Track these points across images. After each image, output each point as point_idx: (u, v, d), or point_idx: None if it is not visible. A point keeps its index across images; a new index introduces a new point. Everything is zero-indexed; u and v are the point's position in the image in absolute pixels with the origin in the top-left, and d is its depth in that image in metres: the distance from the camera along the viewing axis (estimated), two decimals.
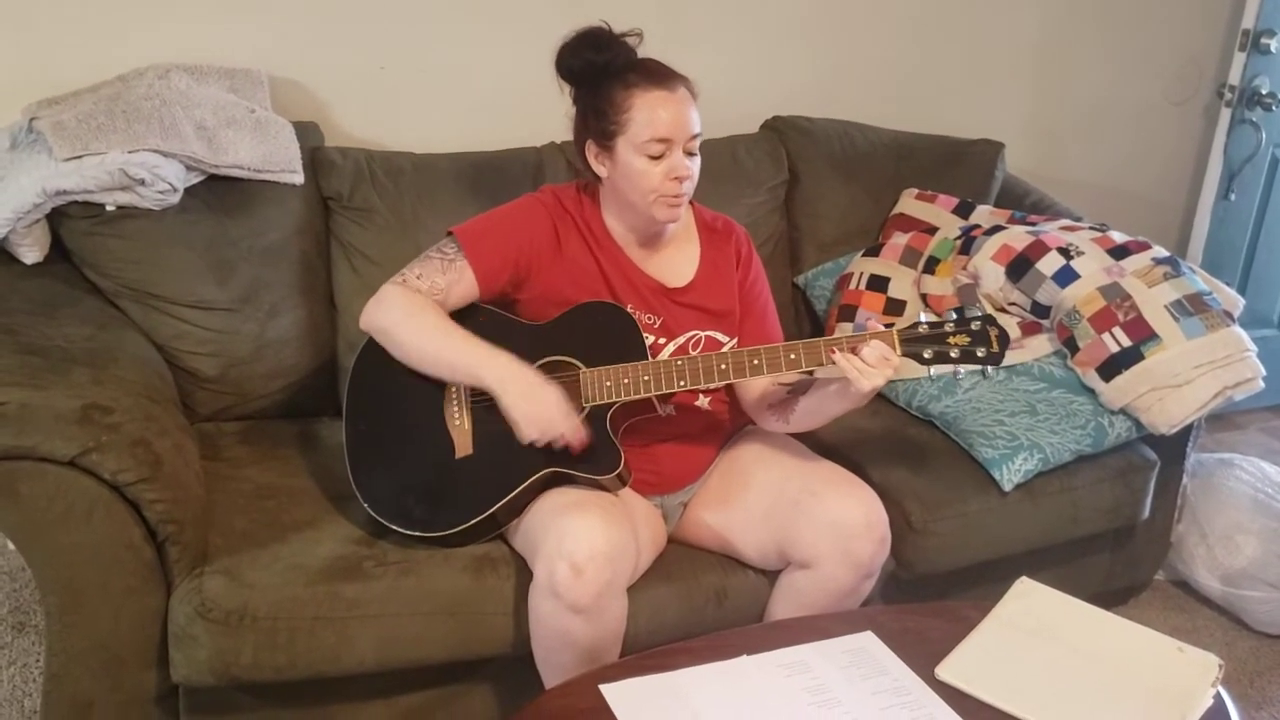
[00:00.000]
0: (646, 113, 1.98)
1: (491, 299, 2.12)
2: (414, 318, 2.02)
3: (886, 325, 1.97)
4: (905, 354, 1.94)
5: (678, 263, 2.19)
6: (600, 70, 2.02)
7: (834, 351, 1.94)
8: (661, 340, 2.14)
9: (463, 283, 2.07)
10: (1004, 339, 1.95)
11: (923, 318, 1.97)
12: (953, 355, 1.95)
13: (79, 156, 2.22)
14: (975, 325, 1.96)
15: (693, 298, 2.17)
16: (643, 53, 2.06)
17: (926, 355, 1.95)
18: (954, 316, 1.98)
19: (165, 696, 1.99)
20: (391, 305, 2.04)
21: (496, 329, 2.10)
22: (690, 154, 2.03)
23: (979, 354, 1.95)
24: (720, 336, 2.18)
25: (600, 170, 2.08)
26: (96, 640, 1.90)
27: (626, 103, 1.99)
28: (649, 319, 2.13)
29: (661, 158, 2.00)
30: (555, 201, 2.15)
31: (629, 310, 2.10)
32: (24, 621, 2.56)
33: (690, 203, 2.19)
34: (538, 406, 1.96)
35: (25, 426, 1.79)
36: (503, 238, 2.09)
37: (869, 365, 1.90)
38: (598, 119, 2.03)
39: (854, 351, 1.92)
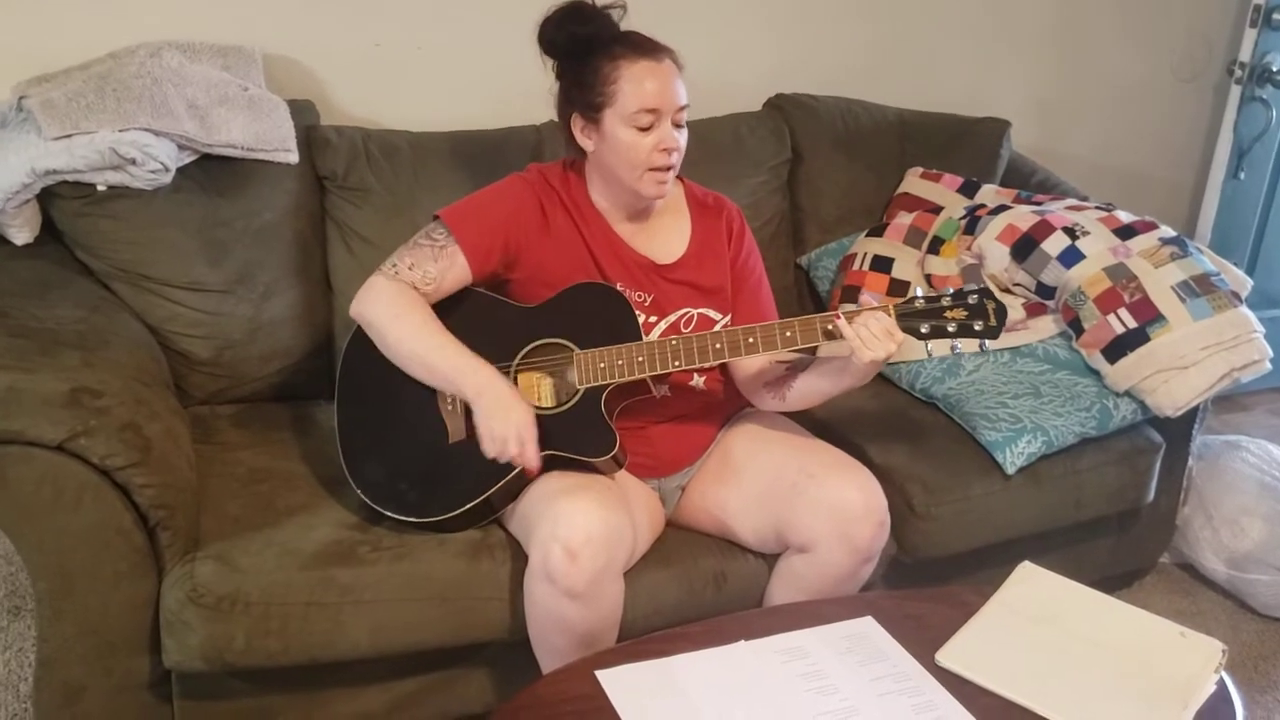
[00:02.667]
0: (634, 84, 1.96)
1: (483, 281, 2.10)
2: (401, 318, 2.00)
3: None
4: (901, 328, 1.93)
5: (667, 238, 2.17)
6: (584, 43, 2.00)
7: (838, 318, 1.92)
8: (652, 319, 2.12)
9: (455, 268, 2.04)
10: (1001, 312, 1.94)
11: (919, 292, 1.95)
12: (950, 329, 1.94)
13: (68, 135, 2.20)
14: (972, 299, 1.94)
15: (683, 274, 2.15)
16: (641, 27, 2.04)
17: (923, 330, 1.94)
18: (950, 291, 1.96)
19: (157, 682, 1.98)
20: (378, 300, 2.02)
21: (488, 312, 2.08)
22: (678, 126, 2.02)
23: (976, 327, 1.93)
24: (713, 314, 2.16)
25: (586, 144, 2.05)
26: (87, 626, 1.89)
27: (613, 74, 1.97)
28: (639, 297, 2.11)
29: (650, 129, 1.98)
30: (541, 179, 2.13)
31: (620, 290, 2.07)
32: (19, 606, 2.55)
33: (680, 178, 2.16)
34: (501, 426, 1.93)
35: (12, 410, 1.77)
36: (491, 218, 2.07)
37: (874, 335, 1.89)
38: (583, 91, 2.00)
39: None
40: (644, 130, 1.98)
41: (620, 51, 1.98)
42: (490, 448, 1.95)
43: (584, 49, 2.00)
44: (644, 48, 1.99)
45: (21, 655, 2.40)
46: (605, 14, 2.02)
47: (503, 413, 1.94)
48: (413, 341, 2.00)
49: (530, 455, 1.94)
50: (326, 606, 1.92)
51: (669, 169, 2.03)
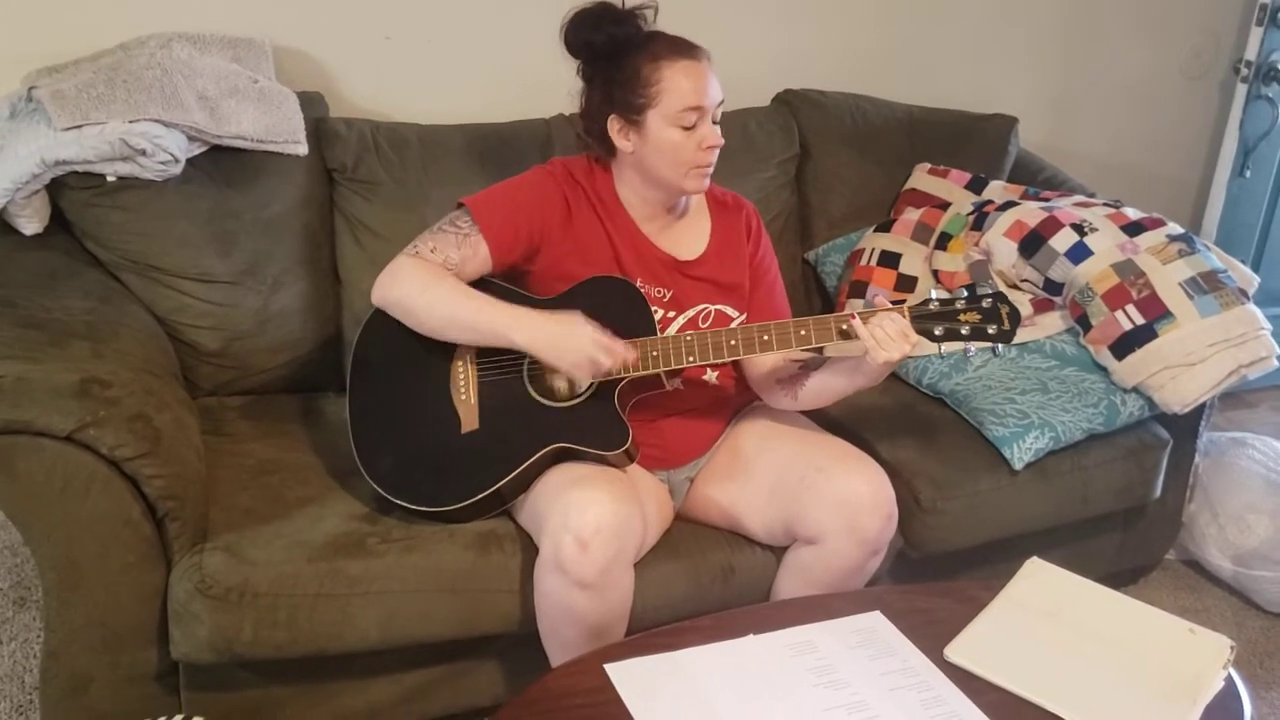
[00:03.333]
0: (677, 83, 1.97)
1: (503, 271, 2.10)
2: (432, 286, 2.00)
3: (897, 302, 1.97)
4: (916, 330, 1.94)
5: (689, 236, 2.17)
6: (621, 44, 2.00)
7: (853, 318, 1.93)
8: (671, 314, 2.13)
9: (477, 257, 2.04)
10: (1015, 316, 1.95)
11: (933, 294, 1.96)
12: (963, 332, 1.95)
13: (78, 126, 2.20)
14: (986, 303, 1.95)
15: (704, 271, 2.15)
16: (655, 25, 2.04)
17: (937, 332, 1.95)
18: (965, 294, 1.97)
19: (165, 674, 1.98)
20: (407, 276, 2.01)
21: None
22: (715, 122, 2.03)
23: (989, 331, 1.95)
24: (730, 311, 2.17)
25: (625, 145, 2.04)
26: (95, 617, 1.89)
27: (655, 75, 1.97)
28: (658, 292, 2.12)
29: (693, 128, 1.99)
30: (566, 173, 2.13)
31: (637, 285, 2.08)
32: (25, 597, 2.55)
33: None
34: (578, 353, 1.94)
35: (22, 400, 1.77)
36: (515, 209, 2.07)
37: (889, 336, 1.90)
38: (624, 93, 2.00)
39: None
40: (688, 129, 1.99)
41: (659, 51, 1.98)
42: (585, 375, 1.97)
43: (621, 50, 2.00)
44: (681, 47, 2.00)
45: (27, 646, 2.40)
46: (639, 14, 2.02)
47: (568, 342, 1.95)
48: (450, 305, 1.99)
49: (620, 354, 1.96)
50: (335, 598, 1.92)
51: (711, 164, 2.04)
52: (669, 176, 2.04)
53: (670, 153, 2.00)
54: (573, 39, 2.03)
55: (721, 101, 2.02)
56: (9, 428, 1.75)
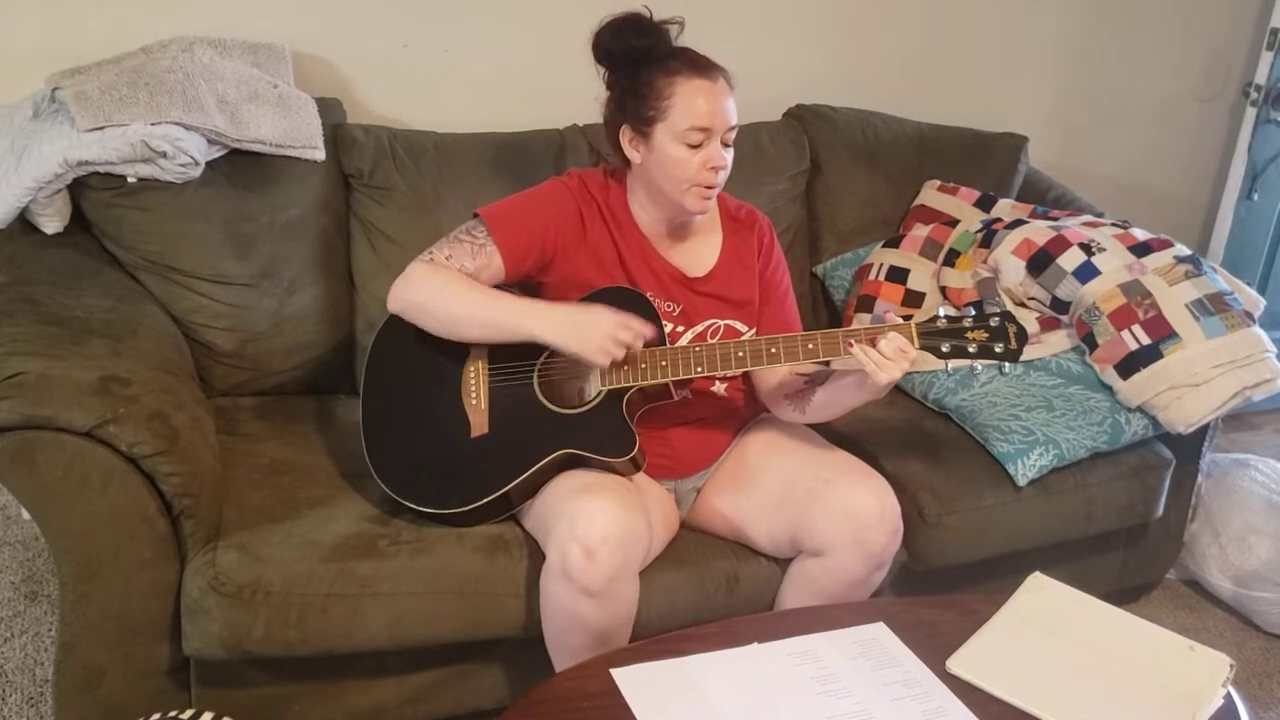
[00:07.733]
0: (688, 101, 1.97)
1: (516, 281, 2.12)
2: (448, 287, 2.02)
3: (905, 318, 1.97)
4: (923, 347, 1.95)
5: (699, 252, 2.18)
6: (640, 56, 2.01)
7: (851, 344, 1.94)
8: (680, 328, 2.14)
9: (491, 267, 2.06)
10: (1022, 336, 1.95)
11: (941, 312, 1.97)
12: (970, 350, 1.95)
13: (101, 128, 2.23)
14: (994, 321, 1.96)
15: (713, 287, 2.16)
16: (679, 41, 2.05)
17: (944, 349, 1.95)
18: (973, 311, 1.98)
19: (177, 669, 2.00)
20: (422, 280, 2.04)
21: None
22: (725, 145, 2.03)
23: (996, 350, 1.95)
24: (739, 326, 2.18)
25: (634, 156, 2.06)
26: (109, 611, 1.91)
27: (668, 90, 1.98)
28: (669, 306, 2.13)
29: (699, 147, 2.00)
30: (581, 186, 2.14)
31: (648, 297, 2.09)
32: (36, 591, 2.57)
33: None
34: (596, 340, 1.96)
35: (43, 396, 1.79)
36: (530, 222, 2.09)
37: (886, 358, 1.91)
38: (637, 104, 2.01)
39: (871, 343, 1.93)
40: (693, 148, 1.99)
41: (676, 67, 1.99)
42: (608, 357, 1.97)
43: (640, 61, 2.01)
44: (699, 66, 2.00)
45: (38, 640, 2.42)
46: (662, 29, 2.03)
47: (589, 330, 1.96)
48: (465, 303, 2.02)
49: (642, 332, 1.98)
50: (345, 598, 1.94)
51: (714, 186, 2.04)
52: (670, 192, 2.05)
53: (673, 169, 2.01)
54: (596, 46, 2.04)
55: (734, 127, 2.02)
56: (30, 423, 1.78)
